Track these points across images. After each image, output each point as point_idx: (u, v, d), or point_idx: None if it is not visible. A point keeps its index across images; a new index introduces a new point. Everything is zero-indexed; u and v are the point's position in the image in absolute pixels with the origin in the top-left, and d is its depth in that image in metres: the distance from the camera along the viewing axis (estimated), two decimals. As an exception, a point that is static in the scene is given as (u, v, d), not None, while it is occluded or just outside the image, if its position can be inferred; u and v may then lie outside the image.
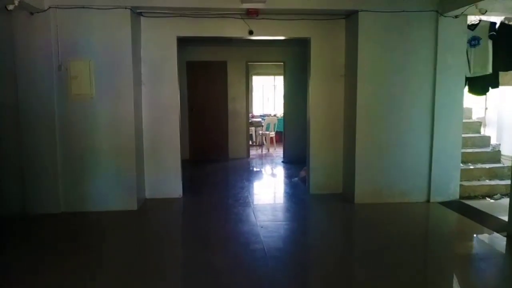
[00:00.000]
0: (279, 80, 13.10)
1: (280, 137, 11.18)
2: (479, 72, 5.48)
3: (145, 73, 5.53)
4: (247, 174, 7.84)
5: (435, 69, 5.30)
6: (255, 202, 5.57)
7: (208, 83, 9.02)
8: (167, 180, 5.71)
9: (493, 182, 5.91)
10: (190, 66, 8.86)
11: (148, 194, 5.66)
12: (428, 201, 5.51)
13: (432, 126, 5.40)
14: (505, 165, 6.17)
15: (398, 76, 5.34)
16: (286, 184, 6.85)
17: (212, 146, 9.15)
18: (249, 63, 9.12)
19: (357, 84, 5.31)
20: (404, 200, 5.48)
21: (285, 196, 6.18)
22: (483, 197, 5.71)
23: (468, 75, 5.52)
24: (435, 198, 5.50)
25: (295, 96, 8.71)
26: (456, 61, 5.32)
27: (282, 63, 9.09)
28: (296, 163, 8.42)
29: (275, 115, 12.34)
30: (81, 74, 4.94)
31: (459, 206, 5.34)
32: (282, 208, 5.50)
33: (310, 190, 5.97)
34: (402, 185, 5.50)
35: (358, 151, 5.40)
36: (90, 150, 5.05)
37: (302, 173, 6.92)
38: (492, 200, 5.62)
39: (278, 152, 10.25)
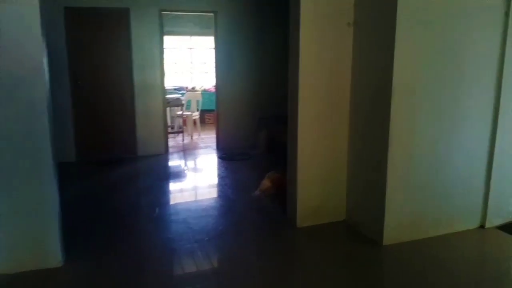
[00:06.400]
0: (198, 41, 10.27)
1: (202, 118, 8.57)
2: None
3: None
4: (174, 188, 5.00)
5: (505, 25, 3.19)
6: (214, 265, 2.91)
7: (101, 42, 5.88)
8: (28, 230, 2.78)
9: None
10: (73, 15, 5.64)
11: (-14, 266, 2.71)
12: (482, 226, 3.50)
13: (495, 113, 3.33)
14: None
15: (460, 31, 3.12)
16: (246, 206, 4.13)
17: (111, 139, 6.11)
18: (163, 12, 6.14)
19: (396, 38, 2.91)
20: (450, 230, 3.40)
21: (259, 243, 3.34)
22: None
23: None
24: (492, 221, 3.51)
25: (233, 61, 6.33)
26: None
27: (212, 14, 6.33)
28: (239, 158, 5.98)
29: (193, 88, 9.56)
30: None
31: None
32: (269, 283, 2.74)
33: (297, 222, 3.54)
34: (448, 207, 3.37)
35: (392, 158, 3.06)
36: None
37: (266, 184, 4.45)
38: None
39: (205, 140, 7.56)
